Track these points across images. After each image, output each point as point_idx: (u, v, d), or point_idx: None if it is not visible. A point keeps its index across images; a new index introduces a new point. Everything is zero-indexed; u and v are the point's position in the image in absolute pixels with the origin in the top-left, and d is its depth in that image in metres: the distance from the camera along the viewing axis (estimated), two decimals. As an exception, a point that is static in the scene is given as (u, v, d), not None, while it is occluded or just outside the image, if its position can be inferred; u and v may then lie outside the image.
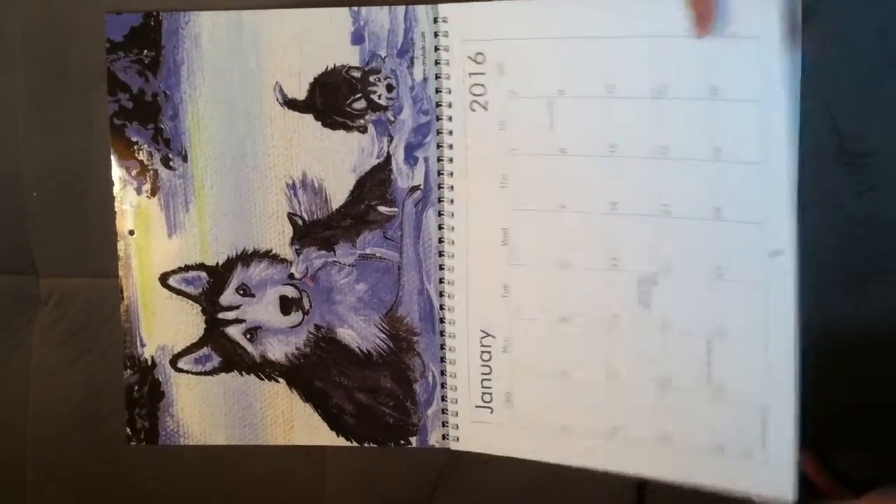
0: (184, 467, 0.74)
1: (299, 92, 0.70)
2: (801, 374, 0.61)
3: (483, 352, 0.69)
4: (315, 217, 0.71)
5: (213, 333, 0.73)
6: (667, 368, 0.65)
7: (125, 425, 0.73)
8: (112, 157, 0.71)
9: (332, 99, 0.70)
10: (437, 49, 0.68)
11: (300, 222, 0.71)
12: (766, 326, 0.62)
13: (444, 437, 0.71)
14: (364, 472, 0.73)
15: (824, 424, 0.69)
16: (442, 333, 0.70)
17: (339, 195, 0.71)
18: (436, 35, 0.67)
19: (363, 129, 0.70)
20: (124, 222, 0.72)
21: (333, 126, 0.70)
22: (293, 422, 0.73)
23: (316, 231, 0.71)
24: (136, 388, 0.73)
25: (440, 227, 0.69)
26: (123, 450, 0.73)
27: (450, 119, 0.68)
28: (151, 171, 0.71)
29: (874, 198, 0.67)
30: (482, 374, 0.70)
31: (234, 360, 0.73)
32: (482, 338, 0.69)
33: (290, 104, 0.70)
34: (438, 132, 0.68)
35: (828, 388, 0.69)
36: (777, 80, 0.60)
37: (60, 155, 0.71)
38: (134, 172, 0.71)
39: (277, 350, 0.73)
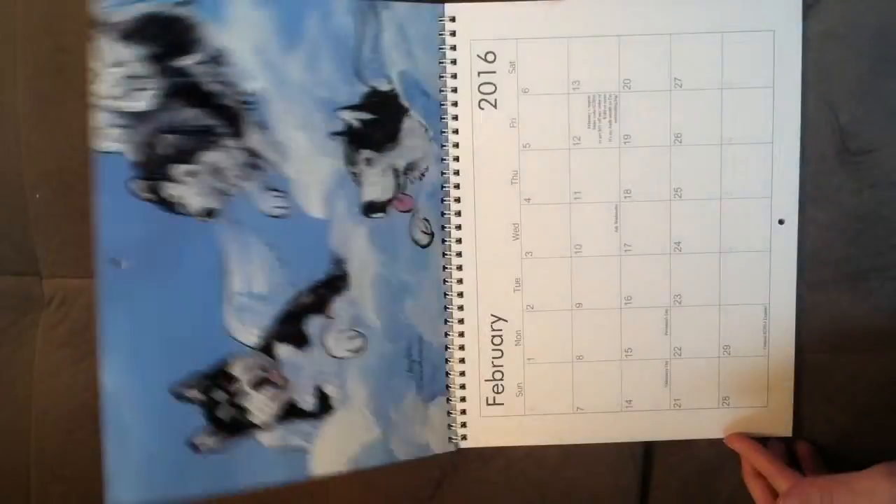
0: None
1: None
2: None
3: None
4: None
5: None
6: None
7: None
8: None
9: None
10: (442, 48, 0.68)
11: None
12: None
13: (449, 439, 0.72)
14: (367, 474, 0.73)
15: (825, 420, 0.70)
16: (446, 335, 0.71)
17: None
18: (440, 34, 0.68)
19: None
20: (127, 223, 0.71)
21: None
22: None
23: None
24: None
25: (445, 227, 0.69)
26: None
27: (455, 118, 0.68)
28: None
29: (874, 195, 0.68)
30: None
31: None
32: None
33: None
34: (443, 131, 0.69)
35: (828, 384, 0.70)
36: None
37: (62, 155, 0.71)
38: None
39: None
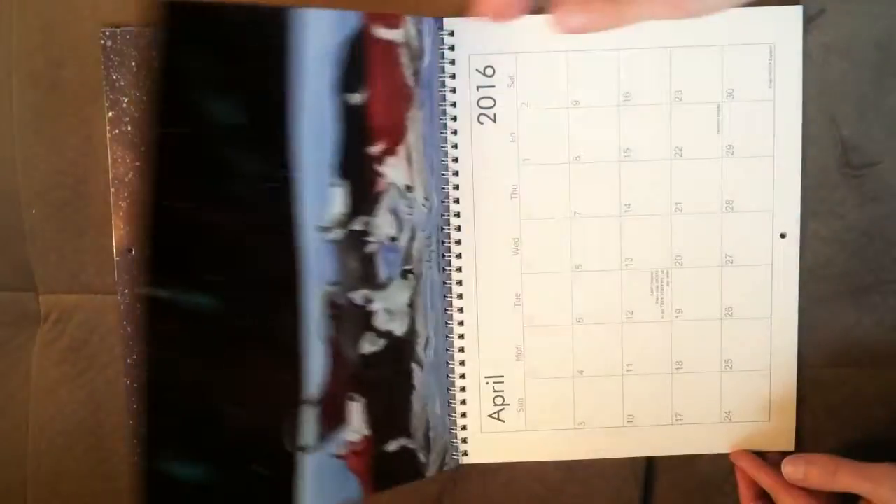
0: None
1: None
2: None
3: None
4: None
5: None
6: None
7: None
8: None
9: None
10: (441, 63, 0.68)
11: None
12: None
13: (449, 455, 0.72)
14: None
15: (827, 434, 0.70)
16: (447, 350, 0.71)
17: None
18: (439, 49, 0.67)
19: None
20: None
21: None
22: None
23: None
24: (138, 404, 0.73)
25: (444, 242, 0.69)
26: (125, 466, 0.73)
27: (455, 132, 0.68)
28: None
29: (876, 208, 0.68)
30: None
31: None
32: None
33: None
34: (441, 146, 0.68)
35: (831, 398, 0.70)
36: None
37: (58, 171, 0.71)
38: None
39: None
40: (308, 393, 0.63)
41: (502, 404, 0.71)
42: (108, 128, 0.69)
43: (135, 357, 0.71)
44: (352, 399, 0.66)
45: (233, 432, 0.62)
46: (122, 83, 0.69)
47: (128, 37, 0.69)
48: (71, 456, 0.73)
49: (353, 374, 0.66)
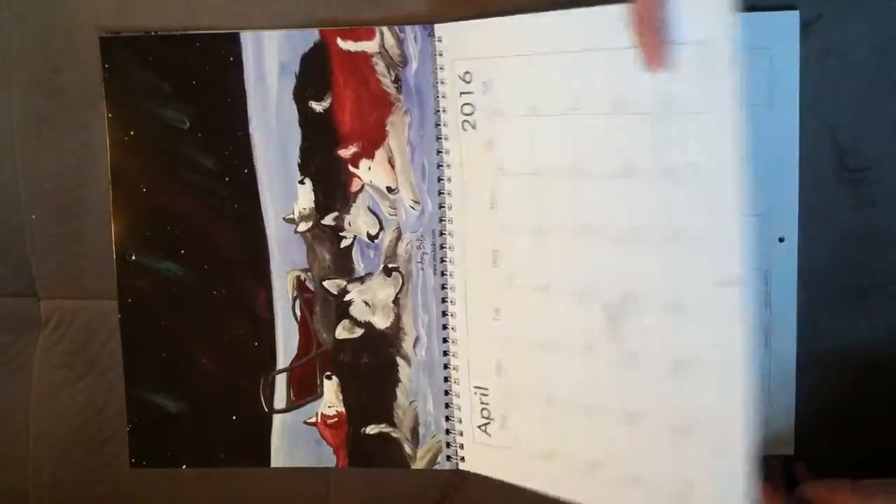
0: (186, 488, 0.73)
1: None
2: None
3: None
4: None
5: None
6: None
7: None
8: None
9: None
10: (433, 70, 0.67)
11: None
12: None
13: (448, 458, 0.71)
14: (367, 492, 0.73)
15: (825, 437, 0.69)
16: (445, 353, 0.70)
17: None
18: (431, 55, 0.67)
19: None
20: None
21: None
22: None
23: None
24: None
25: (441, 247, 0.69)
26: (125, 471, 0.73)
27: (446, 139, 0.67)
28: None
29: (872, 212, 0.67)
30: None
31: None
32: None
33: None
34: (438, 152, 0.68)
35: (829, 401, 0.69)
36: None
37: (58, 176, 0.71)
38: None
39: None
40: (280, 362, 0.71)
41: (488, 417, 0.69)
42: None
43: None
44: (328, 377, 0.71)
45: (211, 382, 0.71)
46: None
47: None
48: (71, 460, 0.74)
49: (328, 355, 0.71)
